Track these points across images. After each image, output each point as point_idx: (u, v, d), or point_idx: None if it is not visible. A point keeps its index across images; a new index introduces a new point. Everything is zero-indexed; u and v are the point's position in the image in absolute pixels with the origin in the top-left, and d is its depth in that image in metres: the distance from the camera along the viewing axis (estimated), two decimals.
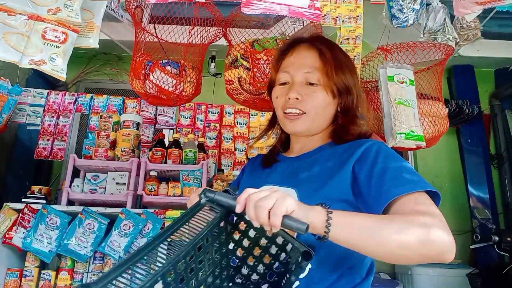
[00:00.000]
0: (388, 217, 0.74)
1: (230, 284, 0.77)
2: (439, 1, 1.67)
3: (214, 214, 0.69)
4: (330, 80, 0.97)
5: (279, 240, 0.74)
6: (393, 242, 0.69)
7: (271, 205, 0.65)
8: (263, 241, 0.75)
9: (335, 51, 1.02)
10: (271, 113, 1.16)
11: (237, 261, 0.78)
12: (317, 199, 0.86)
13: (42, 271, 2.19)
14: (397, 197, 0.77)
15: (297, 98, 0.96)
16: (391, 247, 0.69)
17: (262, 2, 1.00)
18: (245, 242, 0.77)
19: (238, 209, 0.68)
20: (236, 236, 0.76)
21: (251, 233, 0.76)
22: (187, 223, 0.66)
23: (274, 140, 1.17)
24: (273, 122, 1.13)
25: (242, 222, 0.75)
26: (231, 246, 0.77)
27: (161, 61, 1.61)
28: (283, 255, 0.75)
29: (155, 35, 1.69)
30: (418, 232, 0.69)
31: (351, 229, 0.70)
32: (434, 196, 0.81)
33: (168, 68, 1.59)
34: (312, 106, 0.96)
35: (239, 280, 0.78)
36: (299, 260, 0.72)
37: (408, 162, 3.79)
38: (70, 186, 2.33)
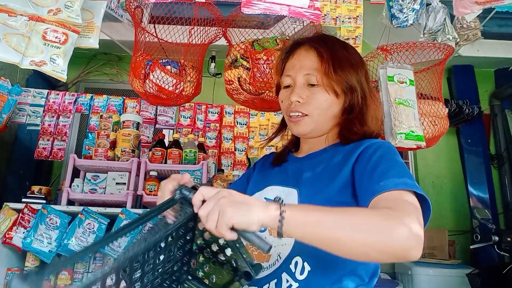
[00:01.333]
0: (349, 211, 0.72)
1: (190, 277, 0.79)
2: (439, 1, 1.67)
3: (183, 213, 0.70)
4: (330, 80, 0.95)
5: (228, 251, 0.74)
6: (349, 239, 0.67)
7: (216, 219, 0.65)
8: (215, 247, 0.76)
9: (335, 49, 1.00)
10: (271, 113, 1.16)
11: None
12: (318, 200, 0.85)
13: None
14: (380, 193, 0.75)
15: (298, 101, 0.96)
16: (347, 245, 0.67)
17: (262, 2, 1.00)
18: (199, 241, 0.78)
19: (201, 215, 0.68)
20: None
21: (206, 235, 0.77)
22: (158, 217, 0.69)
23: (276, 140, 1.17)
24: (284, 123, 1.12)
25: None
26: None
27: (161, 61, 1.61)
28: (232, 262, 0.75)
29: (155, 35, 1.69)
30: (377, 227, 0.67)
31: (305, 226, 0.68)
32: (423, 201, 0.77)
33: (168, 67, 1.59)
34: (314, 108, 0.96)
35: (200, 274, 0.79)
36: (242, 275, 0.73)
37: (408, 162, 3.80)
38: (70, 186, 2.33)
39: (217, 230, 0.65)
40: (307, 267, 0.84)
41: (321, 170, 0.92)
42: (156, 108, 3.00)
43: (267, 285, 0.87)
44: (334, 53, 0.98)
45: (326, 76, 0.95)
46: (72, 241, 2.15)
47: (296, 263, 0.85)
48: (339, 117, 0.99)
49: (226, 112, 3.08)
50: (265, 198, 0.96)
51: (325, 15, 1.64)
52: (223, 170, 2.71)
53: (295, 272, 0.84)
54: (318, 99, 0.96)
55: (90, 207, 2.23)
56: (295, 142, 1.11)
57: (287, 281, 0.85)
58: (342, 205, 0.83)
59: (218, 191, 0.68)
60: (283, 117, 1.10)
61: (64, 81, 1.19)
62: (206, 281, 0.78)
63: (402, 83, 1.49)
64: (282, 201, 0.70)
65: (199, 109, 3.09)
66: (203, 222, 0.68)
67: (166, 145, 2.55)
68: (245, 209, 0.66)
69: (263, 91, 1.53)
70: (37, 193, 2.38)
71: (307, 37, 1.06)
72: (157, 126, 3.00)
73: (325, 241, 0.68)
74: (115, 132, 2.56)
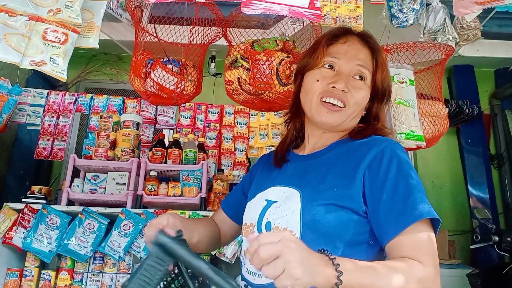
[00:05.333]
0: (392, 280, 0.73)
1: None
2: (439, 1, 1.67)
3: (161, 267, 0.68)
4: (376, 83, 0.96)
5: None
6: None
7: (279, 274, 0.62)
8: None
9: (383, 56, 1.00)
10: (271, 113, 1.15)
11: None
12: (321, 203, 0.84)
13: (42, 271, 2.19)
14: (402, 231, 0.77)
15: (343, 90, 0.92)
16: None
17: (262, 2, 1.00)
18: None
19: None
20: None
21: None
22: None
23: (275, 140, 1.15)
24: (297, 112, 1.06)
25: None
26: None
27: (163, 59, 1.61)
28: None
29: (155, 35, 1.69)
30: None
31: None
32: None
33: (170, 66, 1.59)
34: (354, 101, 0.93)
35: None
36: None
37: None
38: (70, 186, 2.33)
39: (277, 282, 0.62)
40: None
41: (326, 171, 0.90)
42: (156, 108, 3.00)
43: None
44: (384, 60, 0.99)
45: (375, 78, 0.96)
46: (72, 241, 2.15)
47: None
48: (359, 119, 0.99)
49: (226, 112, 3.08)
50: (266, 200, 0.94)
51: (325, 15, 1.64)
52: (223, 170, 2.71)
53: None
54: (360, 94, 0.94)
55: (90, 207, 2.23)
56: (295, 138, 1.08)
57: None
58: (346, 210, 0.83)
59: (281, 240, 0.63)
60: (294, 103, 1.05)
61: (64, 81, 1.19)
62: None
63: (402, 83, 1.49)
64: (333, 256, 0.69)
65: (199, 109, 3.09)
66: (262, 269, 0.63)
67: (166, 145, 2.55)
68: (310, 277, 0.64)
69: (263, 91, 1.53)
70: (37, 193, 2.39)
71: (360, 31, 1.04)
72: (157, 126, 3.00)
73: None
74: (115, 132, 2.56)
